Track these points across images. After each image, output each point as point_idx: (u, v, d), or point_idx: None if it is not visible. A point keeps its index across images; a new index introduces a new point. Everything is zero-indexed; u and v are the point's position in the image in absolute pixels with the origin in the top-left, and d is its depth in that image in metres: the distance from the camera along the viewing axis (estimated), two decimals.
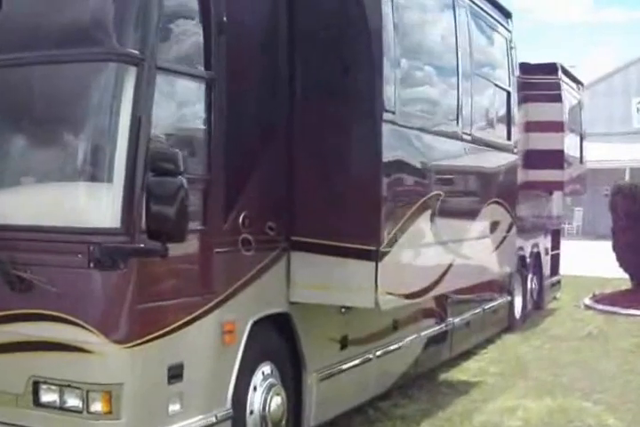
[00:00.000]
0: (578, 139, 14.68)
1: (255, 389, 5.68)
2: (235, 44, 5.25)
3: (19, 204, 4.82)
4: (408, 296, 6.45)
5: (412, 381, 8.39)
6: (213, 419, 5.15)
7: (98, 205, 4.57)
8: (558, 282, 15.37)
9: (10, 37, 4.82)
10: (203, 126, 5.08)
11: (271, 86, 5.79)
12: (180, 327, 4.84)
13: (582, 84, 15.25)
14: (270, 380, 5.82)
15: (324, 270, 5.83)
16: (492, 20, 8.68)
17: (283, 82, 5.86)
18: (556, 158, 12.86)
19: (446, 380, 9.06)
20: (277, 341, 5.96)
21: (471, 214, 7.87)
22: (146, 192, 4.42)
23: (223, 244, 5.19)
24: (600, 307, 14.42)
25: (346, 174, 5.81)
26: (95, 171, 4.64)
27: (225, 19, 5.10)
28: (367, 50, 5.81)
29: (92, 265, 4.46)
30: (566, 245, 16.26)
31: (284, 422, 5.91)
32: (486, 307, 10.75)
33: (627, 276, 15.77)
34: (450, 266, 7.14)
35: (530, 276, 13.20)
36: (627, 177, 29.13)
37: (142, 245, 4.47)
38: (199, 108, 5.08)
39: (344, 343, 6.71)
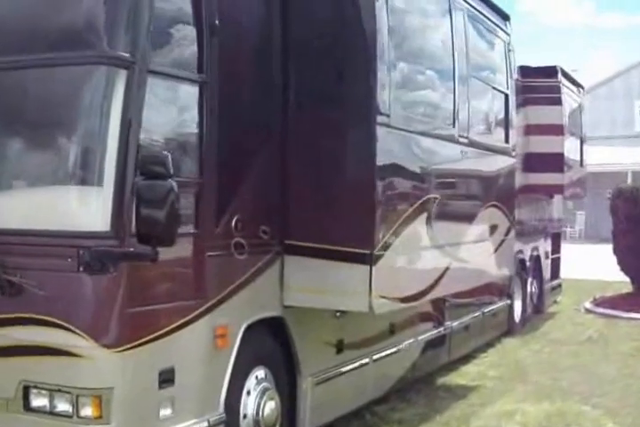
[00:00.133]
0: (578, 142, 14.67)
1: (249, 393, 5.65)
2: (227, 47, 5.23)
3: (7, 207, 4.79)
4: (403, 300, 6.43)
5: (409, 385, 8.36)
6: (206, 423, 5.12)
7: (87, 209, 4.56)
8: (559, 285, 15.34)
9: (0, 40, 4.81)
10: (194, 130, 5.05)
11: (265, 90, 5.77)
12: (171, 331, 4.81)
13: (582, 88, 15.23)
14: (264, 384, 5.79)
15: (318, 274, 5.81)
16: (489, 23, 8.65)
17: (276, 85, 5.84)
18: (555, 162, 12.84)
19: (445, 384, 9.03)
20: (272, 345, 5.93)
21: (468, 218, 7.84)
22: (136, 196, 4.40)
23: (215, 247, 5.17)
24: (600, 310, 14.39)
25: (340, 178, 5.79)
26: (85, 174, 4.63)
27: (217, 22, 5.08)
28: (361, 53, 5.80)
29: (81, 269, 4.44)
30: (568, 249, 16.26)
31: (277, 426, 5.88)
32: (485, 311, 10.72)
33: (628, 279, 15.73)
34: (446, 270, 7.12)
35: (530, 279, 13.16)
36: (629, 180, 29.11)
37: (132, 249, 4.45)
38: (191, 112, 5.05)
39: (340, 347, 6.69)
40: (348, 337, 6.78)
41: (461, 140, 7.52)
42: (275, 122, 5.83)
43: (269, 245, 5.77)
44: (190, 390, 5.02)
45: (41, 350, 4.56)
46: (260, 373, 5.78)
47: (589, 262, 21.27)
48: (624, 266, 15.48)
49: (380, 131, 5.79)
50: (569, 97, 13.64)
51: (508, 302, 11.91)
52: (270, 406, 5.78)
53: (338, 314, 6.41)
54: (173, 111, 5.05)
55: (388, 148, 6.00)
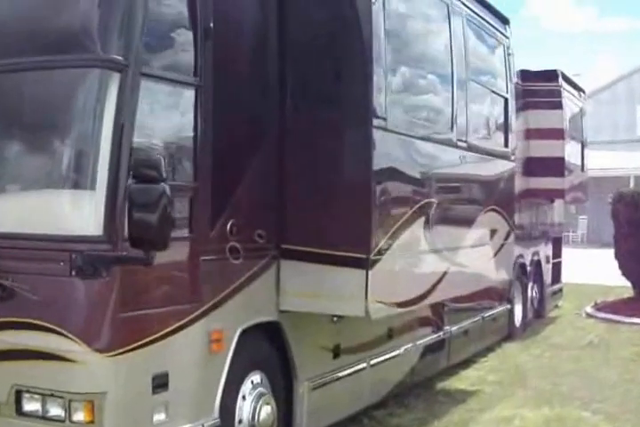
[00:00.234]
0: (579, 146, 14.64)
1: (244, 398, 5.63)
2: (223, 50, 5.21)
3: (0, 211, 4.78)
4: (400, 305, 6.40)
5: (408, 389, 8.32)
6: None
7: (80, 213, 4.53)
8: (560, 290, 15.31)
9: None
10: (189, 133, 5.03)
11: (261, 92, 5.76)
12: (164, 336, 4.78)
13: (584, 92, 15.19)
14: (260, 389, 5.77)
15: (314, 279, 5.78)
16: (489, 27, 8.63)
17: (273, 88, 5.83)
18: (556, 166, 12.81)
19: (444, 389, 8.99)
20: (268, 349, 5.91)
21: (467, 222, 7.81)
22: (128, 199, 4.37)
23: (210, 252, 5.14)
24: (602, 315, 14.34)
25: (336, 181, 5.77)
26: (77, 178, 4.61)
27: (211, 25, 5.06)
28: (358, 56, 5.77)
29: (73, 273, 4.41)
30: (570, 253, 16.20)
31: None
32: (485, 315, 10.69)
33: (629, 284, 15.69)
34: (444, 274, 7.09)
35: (530, 284, 13.13)
36: (631, 185, 29.09)
37: (125, 253, 4.43)
38: (185, 115, 5.03)
39: (337, 352, 6.65)
40: (345, 342, 6.75)
41: (460, 144, 7.49)
42: (271, 125, 5.81)
43: (265, 250, 5.75)
44: (185, 395, 5.00)
45: (33, 354, 4.54)
46: (255, 377, 5.76)
47: (591, 267, 21.22)
48: (625, 271, 15.43)
49: (376, 134, 5.77)
50: (570, 101, 13.62)
51: (509, 306, 11.88)
52: (266, 411, 5.76)
53: (335, 319, 6.37)
54: (167, 114, 5.03)
55: (385, 152, 5.97)
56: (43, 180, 4.76)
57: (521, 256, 12.32)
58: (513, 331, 12.09)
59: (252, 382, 5.72)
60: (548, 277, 14.23)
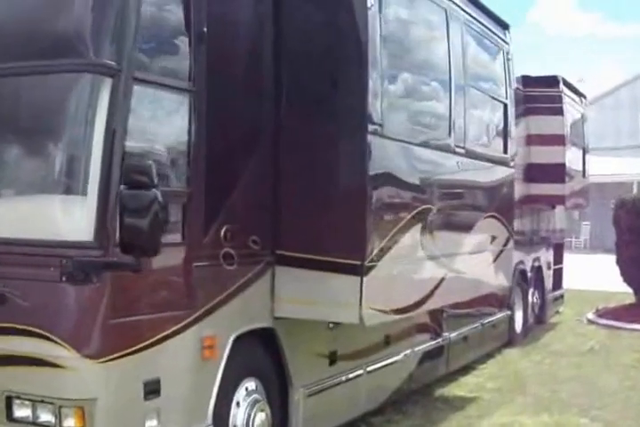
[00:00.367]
0: (580, 152, 14.58)
1: (238, 404, 5.60)
2: (217, 56, 5.19)
3: None
4: (396, 312, 6.36)
5: (406, 396, 8.29)
6: None
7: (71, 218, 4.51)
8: (561, 296, 15.25)
9: None
10: (182, 138, 5.00)
11: (255, 98, 5.73)
12: (156, 342, 4.76)
13: (585, 97, 15.15)
14: (254, 395, 5.74)
15: (309, 285, 5.76)
16: (488, 32, 8.60)
17: (268, 93, 5.80)
18: (557, 172, 12.77)
19: (442, 395, 8.96)
20: (262, 356, 5.88)
21: (465, 229, 7.78)
22: (119, 205, 4.36)
23: (203, 258, 5.12)
24: (603, 321, 14.31)
25: (331, 187, 5.75)
26: (68, 183, 4.59)
27: (205, 29, 5.04)
28: (354, 62, 5.76)
29: (64, 279, 4.39)
30: (573, 259, 16.15)
31: None
32: (485, 321, 10.65)
33: (631, 290, 15.63)
34: (441, 281, 7.05)
35: (531, 290, 13.09)
36: (634, 190, 29.05)
37: (115, 259, 4.41)
38: (178, 120, 5.00)
39: (333, 359, 6.62)
40: (342, 348, 6.72)
41: (458, 150, 7.46)
42: (265, 130, 5.79)
43: (260, 256, 5.72)
44: (177, 402, 4.97)
45: (24, 360, 4.52)
46: (250, 384, 5.73)
47: (593, 273, 21.16)
48: (627, 277, 15.36)
49: (372, 141, 5.75)
50: (571, 107, 13.58)
51: (509, 312, 11.84)
52: (261, 418, 5.73)
53: (331, 325, 6.36)
54: (160, 120, 4.99)
55: (381, 157, 5.95)
56: (33, 185, 4.74)
57: (521, 262, 12.29)
58: (513, 337, 12.05)
59: (247, 388, 5.69)
60: (548, 283, 14.19)
